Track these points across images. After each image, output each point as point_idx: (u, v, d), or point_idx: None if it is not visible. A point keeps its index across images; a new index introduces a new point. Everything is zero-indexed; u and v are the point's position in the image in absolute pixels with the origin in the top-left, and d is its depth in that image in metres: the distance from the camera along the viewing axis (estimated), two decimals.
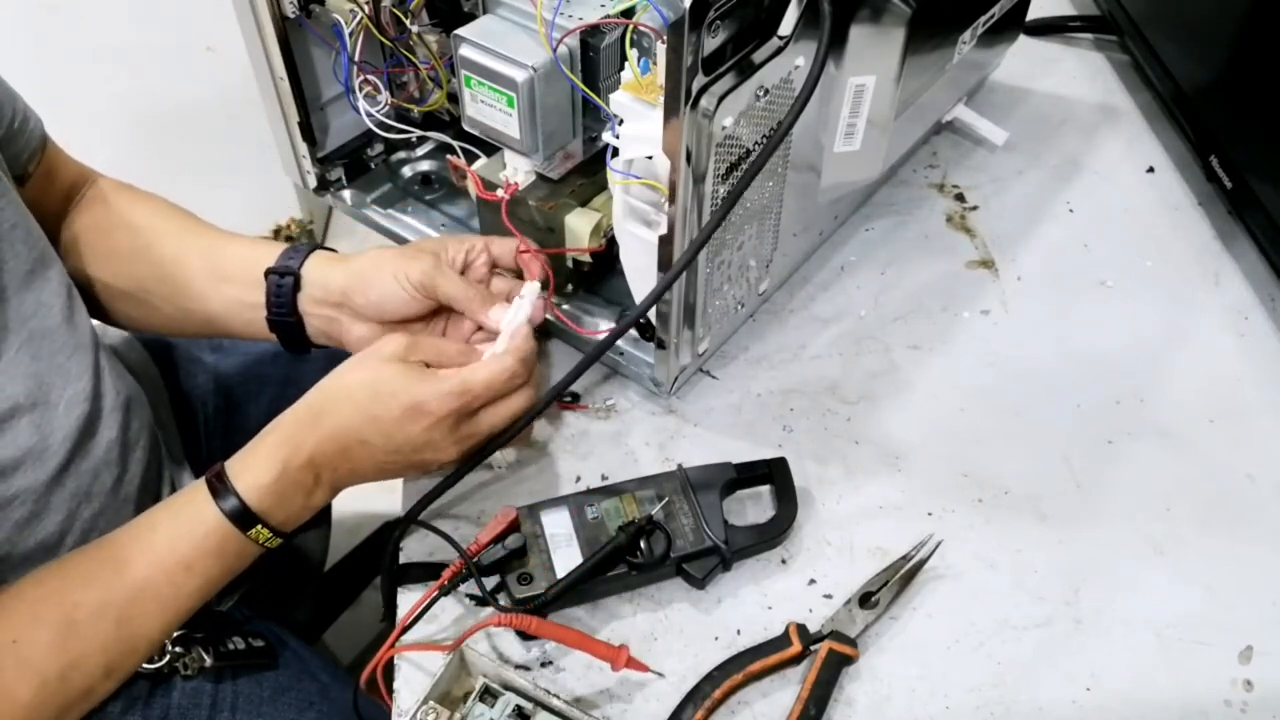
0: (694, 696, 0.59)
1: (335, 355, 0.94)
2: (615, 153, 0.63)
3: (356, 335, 0.71)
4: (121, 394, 0.70)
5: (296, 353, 0.75)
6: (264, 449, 0.62)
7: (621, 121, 0.62)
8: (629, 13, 0.66)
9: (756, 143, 0.64)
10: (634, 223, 0.66)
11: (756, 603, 0.65)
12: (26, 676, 0.56)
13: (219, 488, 0.60)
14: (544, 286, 0.70)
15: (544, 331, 0.78)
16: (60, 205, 0.75)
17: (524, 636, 0.62)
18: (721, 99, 0.58)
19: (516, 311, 0.68)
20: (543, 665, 0.61)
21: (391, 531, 0.66)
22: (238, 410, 0.91)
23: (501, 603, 0.63)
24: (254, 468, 0.61)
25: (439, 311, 0.72)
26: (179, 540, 0.60)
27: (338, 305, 0.71)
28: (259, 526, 0.60)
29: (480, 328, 0.71)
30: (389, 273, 0.69)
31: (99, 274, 0.75)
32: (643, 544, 0.63)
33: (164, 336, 0.91)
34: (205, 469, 0.77)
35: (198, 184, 0.78)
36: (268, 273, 0.71)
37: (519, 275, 0.73)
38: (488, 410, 0.63)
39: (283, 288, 0.71)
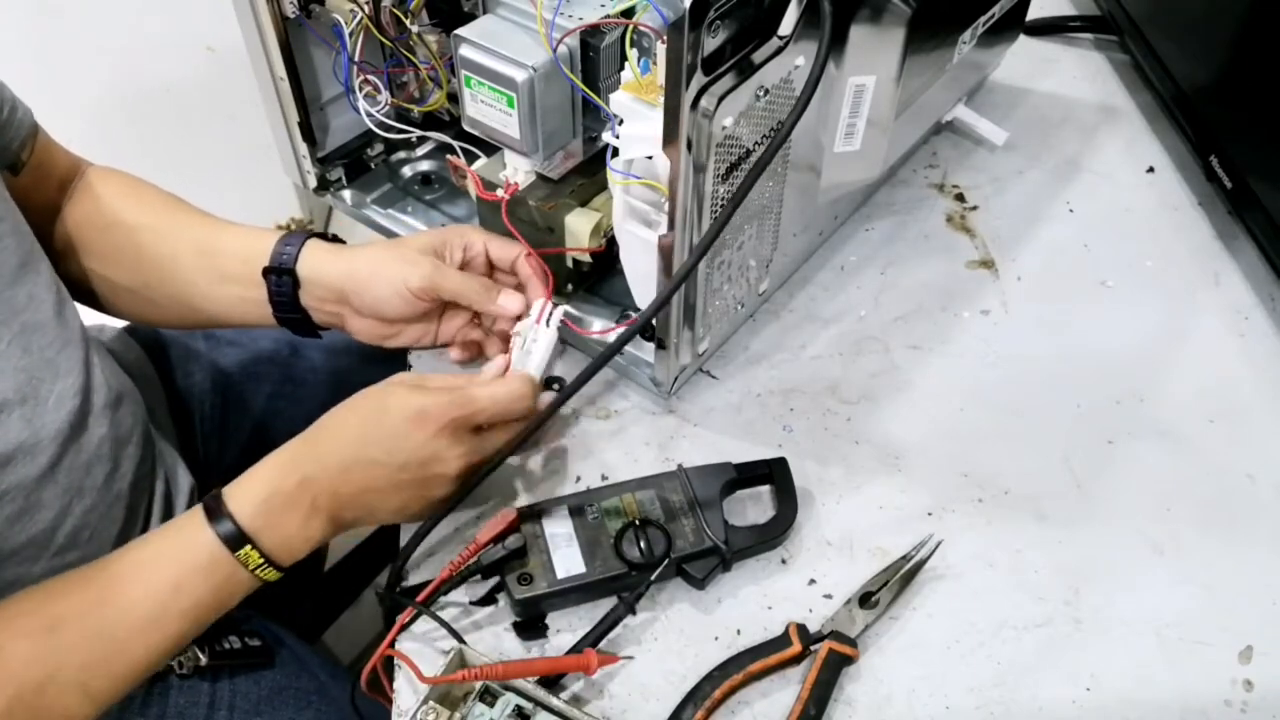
0: (694, 696, 0.59)
1: (335, 352, 0.95)
2: (615, 153, 0.63)
3: (358, 328, 0.73)
4: (113, 390, 0.70)
5: (308, 337, 0.76)
6: (261, 470, 0.62)
7: (621, 121, 0.62)
8: (629, 13, 0.66)
9: (756, 143, 0.64)
10: (634, 223, 0.66)
11: (756, 603, 0.65)
12: (1, 685, 0.55)
13: (214, 509, 0.60)
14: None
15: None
16: (55, 197, 0.75)
17: (522, 631, 0.62)
18: (721, 99, 0.58)
19: (548, 341, 0.69)
20: None
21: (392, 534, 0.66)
22: (235, 408, 0.91)
23: (501, 603, 0.63)
24: (249, 488, 0.61)
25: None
26: (169, 561, 0.60)
27: (339, 301, 0.72)
28: (249, 548, 0.59)
29: (476, 315, 0.73)
30: (386, 280, 0.69)
31: (101, 270, 0.75)
32: (642, 544, 0.63)
33: (165, 331, 0.91)
34: (202, 466, 0.76)
35: (197, 184, 0.78)
36: (266, 273, 0.71)
37: (518, 281, 0.74)
38: (493, 432, 0.64)
39: (283, 287, 0.71)
